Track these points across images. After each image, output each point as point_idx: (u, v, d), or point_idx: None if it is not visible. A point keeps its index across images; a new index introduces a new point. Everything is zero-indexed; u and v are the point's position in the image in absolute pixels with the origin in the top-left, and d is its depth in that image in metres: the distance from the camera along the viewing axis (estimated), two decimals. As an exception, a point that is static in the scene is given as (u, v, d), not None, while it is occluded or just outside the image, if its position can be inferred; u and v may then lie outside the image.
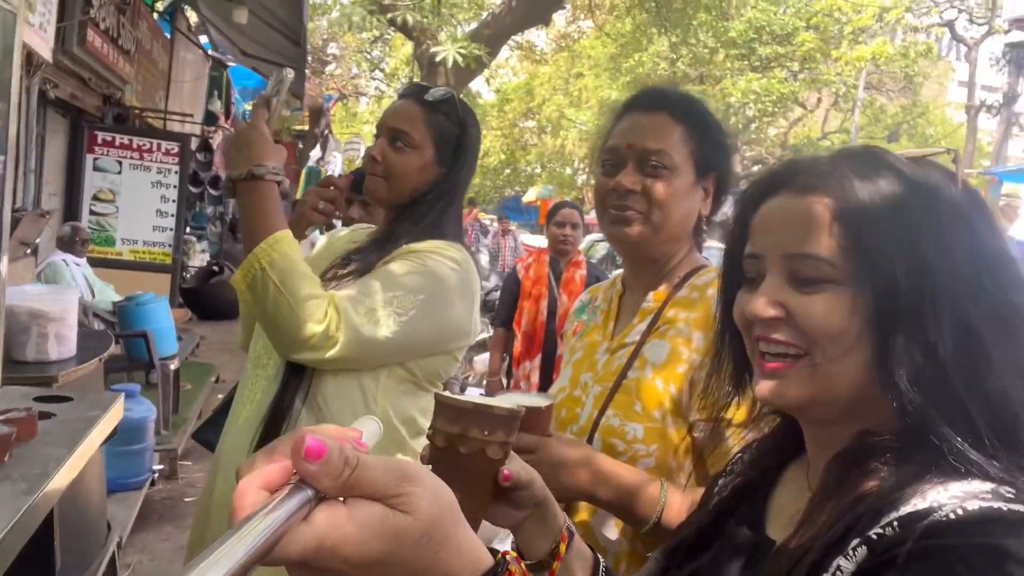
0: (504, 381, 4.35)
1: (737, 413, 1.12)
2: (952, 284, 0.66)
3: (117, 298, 5.38)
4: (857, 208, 0.69)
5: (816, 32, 17.39)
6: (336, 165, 14.65)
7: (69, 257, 5.55)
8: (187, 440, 4.67)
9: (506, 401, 0.82)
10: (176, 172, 7.41)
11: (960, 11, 16.76)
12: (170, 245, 7.51)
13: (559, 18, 17.58)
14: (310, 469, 0.45)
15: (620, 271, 1.49)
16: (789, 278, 0.72)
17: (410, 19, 7.65)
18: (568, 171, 25.65)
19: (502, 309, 4.37)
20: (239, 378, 1.68)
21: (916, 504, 0.61)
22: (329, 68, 15.68)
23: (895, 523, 0.60)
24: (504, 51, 14.57)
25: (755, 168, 21.78)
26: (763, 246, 0.75)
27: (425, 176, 1.59)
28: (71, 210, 6.95)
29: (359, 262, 1.54)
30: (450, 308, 1.51)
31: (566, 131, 22.53)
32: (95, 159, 7.08)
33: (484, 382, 4.34)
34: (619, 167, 1.27)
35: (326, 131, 14.48)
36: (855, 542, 0.61)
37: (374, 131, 1.65)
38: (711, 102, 17.64)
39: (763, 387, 0.74)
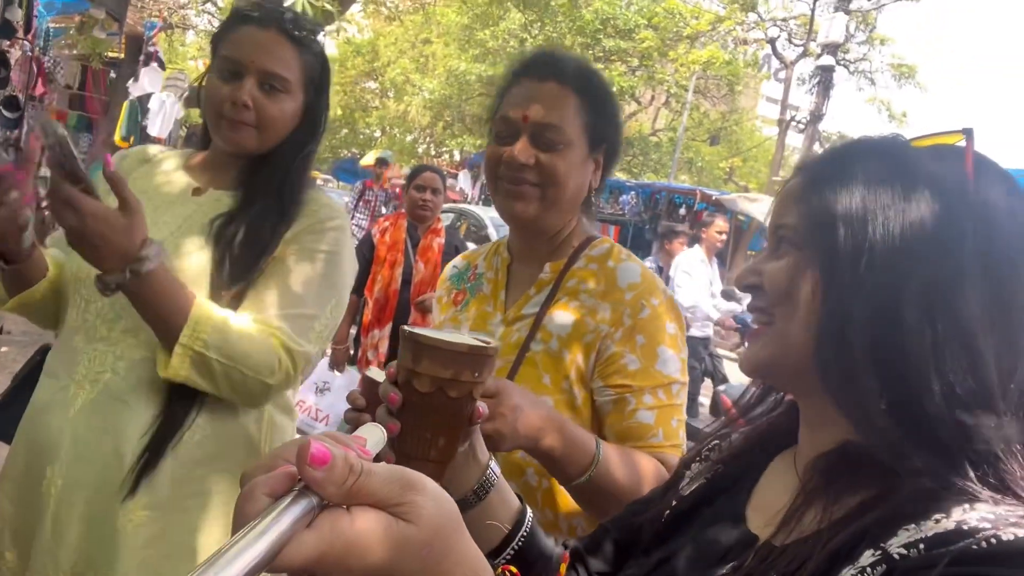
0: (352, 350, 4.11)
1: (636, 378, 1.19)
2: (893, 257, 0.66)
3: None
4: (818, 181, 0.73)
5: (656, 32, 18.25)
6: (167, 105, 13.31)
7: None
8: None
9: (467, 338, 0.79)
10: (-41, 85, 6.29)
11: (783, 31, 18.32)
12: (-54, 170, 6.39)
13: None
14: (315, 476, 0.45)
15: (500, 239, 1.45)
16: (769, 248, 0.77)
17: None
18: (409, 138, 25.15)
19: (352, 273, 4.12)
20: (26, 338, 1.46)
21: (941, 523, 0.57)
22: (154, -7, 14.11)
23: (921, 545, 0.57)
24: (354, 7, 13.89)
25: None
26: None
27: (292, 122, 1.42)
28: None
29: (253, 248, 1.34)
30: (349, 282, 1.45)
31: (411, 97, 22.04)
32: None
33: (328, 350, 4.07)
34: (513, 138, 1.24)
35: (148, 65, 13.09)
36: (870, 556, 0.58)
37: (225, 66, 1.38)
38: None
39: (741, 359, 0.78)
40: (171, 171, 1.48)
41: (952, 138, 0.74)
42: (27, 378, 1.45)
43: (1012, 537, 0.54)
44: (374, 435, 0.60)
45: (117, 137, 13.02)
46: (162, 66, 13.20)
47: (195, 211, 1.41)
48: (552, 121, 1.22)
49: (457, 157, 24.69)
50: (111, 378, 1.31)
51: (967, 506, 0.58)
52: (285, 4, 6.99)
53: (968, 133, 0.72)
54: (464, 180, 20.11)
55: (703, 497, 0.83)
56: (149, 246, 1.20)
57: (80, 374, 1.33)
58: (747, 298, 0.80)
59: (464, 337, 0.78)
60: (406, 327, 0.78)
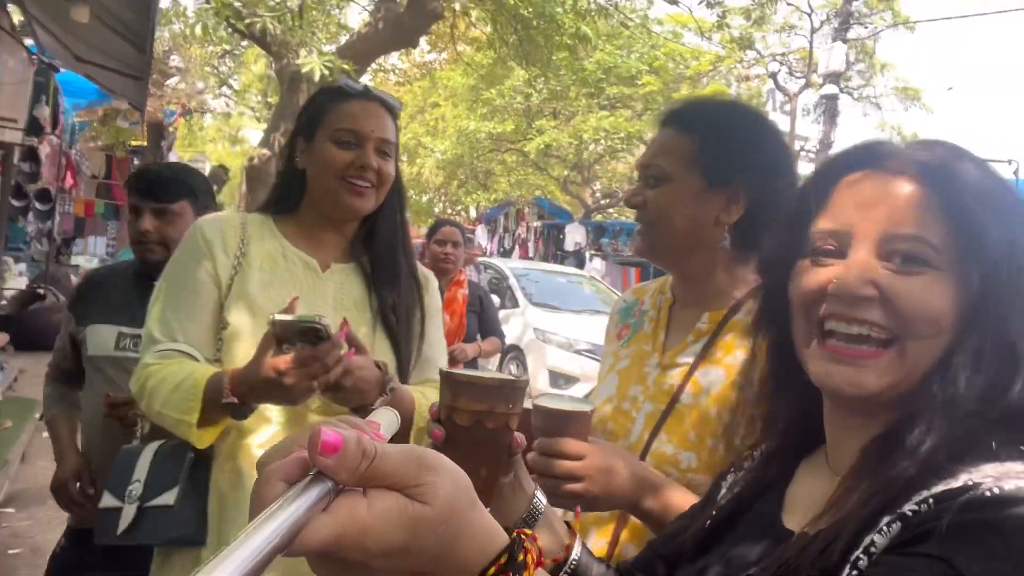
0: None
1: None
2: None
3: (-81, 323, 4.64)
4: (965, 197, 0.70)
5: (658, 76, 18.55)
6: None
7: None
8: (7, 485, 4.10)
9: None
10: (-5, 183, 6.56)
11: (782, 64, 18.58)
12: (-16, 265, 6.61)
13: (416, 48, 17.66)
14: (327, 463, 0.45)
15: (667, 276, 1.44)
16: (885, 258, 0.71)
17: (271, 27, 7.33)
18: (425, 198, 25.55)
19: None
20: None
21: (949, 483, 0.62)
22: (172, 81, 14.71)
23: (930, 500, 0.62)
24: (364, 76, 14.34)
25: (604, 200, 22.82)
26: (851, 221, 0.73)
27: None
28: None
29: (415, 332, 1.59)
30: None
31: (423, 159, 22.48)
32: None
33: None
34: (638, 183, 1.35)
35: (170, 151, 13.60)
36: (887, 519, 0.63)
37: (345, 137, 1.51)
38: (563, 136, 18.39)
39: (833, 373, 0.72)
40: (274, 241, 1.54)
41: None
42: (192, 479, 1.44)
43: (1014, 487, 0.59)
44: (388, 419, 0.60)
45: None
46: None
47: (337, 290, 1.53)
48: (649, 160, 1.30)
49: (473, 213, 25.00)
50: None
51: (973, 469, 0.63)
52: (303, 69, 7.33)
53: (1017, 166, 0.79)
54: (482, 235, 20.31)
55: (740, 504, 0.86)
56: (386, 366, 1.38)
57: None
58: None
59: (497, 374, 0.86)
60: (443, 368, 0.86)
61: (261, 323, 1.38)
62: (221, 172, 18.14)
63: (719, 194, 1.25)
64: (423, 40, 15.85)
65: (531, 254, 17.69)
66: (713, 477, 1.19)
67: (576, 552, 0.90)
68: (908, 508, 0.62)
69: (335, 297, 1.52)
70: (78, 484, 2.05)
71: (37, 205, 8.42)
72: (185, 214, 2.11)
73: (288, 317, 1.24)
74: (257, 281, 1.46)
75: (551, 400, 1.03)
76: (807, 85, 18.17)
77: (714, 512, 0.88)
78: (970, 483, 0.61)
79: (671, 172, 1.26)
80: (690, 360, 1.27)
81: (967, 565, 0.56)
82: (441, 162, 21.36)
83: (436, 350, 1.64)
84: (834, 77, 16.43)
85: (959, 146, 0.76)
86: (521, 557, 0.52)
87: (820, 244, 0.75)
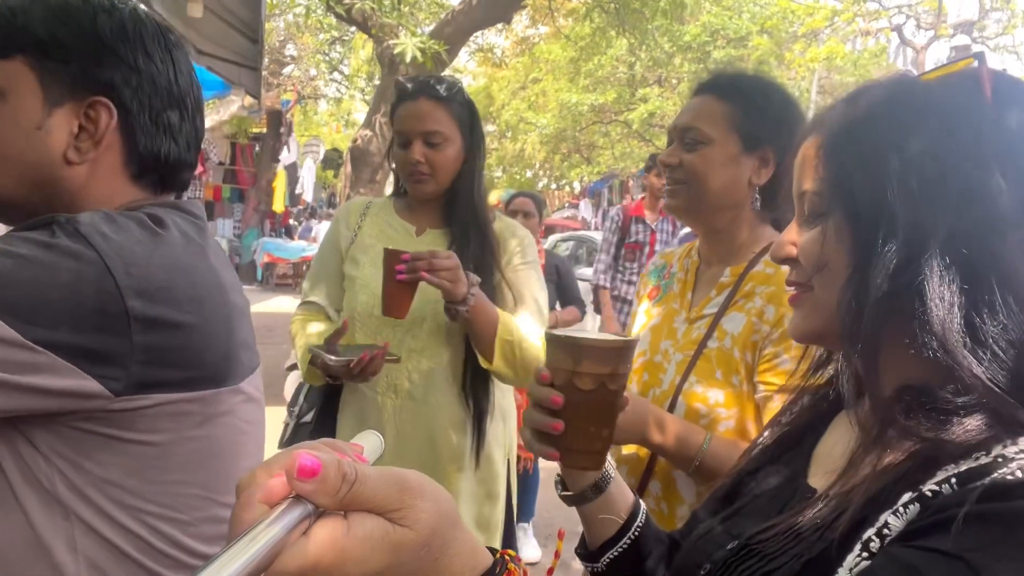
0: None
1: (787, 378, 1.13)
2: (914, 210, 0.64)
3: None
4: (831, 141, 0.71)
5: (769, 36, 17.70)
6: (311, 171, 14.75)
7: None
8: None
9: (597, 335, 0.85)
10: (130, 171, 7.17)
11: (908, 16, 17.28)
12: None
13: (517, 24, 17.66)
14: (305, 488, 0.44)
15: (694, 240, 1.55)
16: (799, 217, 0.76)
17: (367, 8, 7.59)
18: (529, 174, 25.68)
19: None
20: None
21: (979, 458, 0.57)
22: (287, 70, 15.47)
23: (952, 480, 0.57)
24: (463, 55, 14.58)
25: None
26: (795, 186, 0.78)
27: (459, 161, 1.81)
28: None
29: (489, 280, 1.82)
30: None
31: (525, 135, 22.56)
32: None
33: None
34: (669, 144, 1.42)
35: (289, 136, 14.45)
36: (906, 497, 0.58)
37: (399, 139, 1.80)
38: (668, 104, 17.96)
39: (791, 320, 0.79)
40: (388, 217, 1.91)
41: (962, 65, 0.68)
42: (325, 405, 1.89)
43: None
44: (371, 442, 0.60)
45: (281, 206, 14.67)
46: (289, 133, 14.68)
47: (427, 248, 1.79)
48: (690, 124, 1.37)
49: (577, 187, 24.92)
50: (409, 387, 1.77)
51: (1008, 441, 0.57)
52: (395, 51, 7.56)
53: (979, 56, 0.68)
54: (585, 208, 20.22)
55: (769, 456, 0.85)
56: (474, 284, 1.65)
57: (382, 387, 1.78)
58: None
59: (595, 334, 0.85)
60: (551, 331, 0.84)
61: (367, 273, 1.81)
62: (335, 156, 18.95)
63: (752, 157, 1.35)
64: (524, 14, 15.85)
65: (636, 226, 17.44)
66: (739, 411, 1.27)
67: (641, 517, 0.92)
68: (928, 488, 0.57)
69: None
70: None
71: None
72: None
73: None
74: (365, 244, 1.86)
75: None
76: (936, 37, 16.83)
77: (744, 463, 0.88)
78: (999, 459, 0.56)
79: (712, 135, 1.34)
80: (714, 311, 1.38)
81: (986, 564, 0.51)
82: (544, 136, 21.37)
83: (527, 293, 1.83)
84: (967, 27, 15.17)
85: (870, 83, 0.73)
86: None
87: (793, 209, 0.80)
